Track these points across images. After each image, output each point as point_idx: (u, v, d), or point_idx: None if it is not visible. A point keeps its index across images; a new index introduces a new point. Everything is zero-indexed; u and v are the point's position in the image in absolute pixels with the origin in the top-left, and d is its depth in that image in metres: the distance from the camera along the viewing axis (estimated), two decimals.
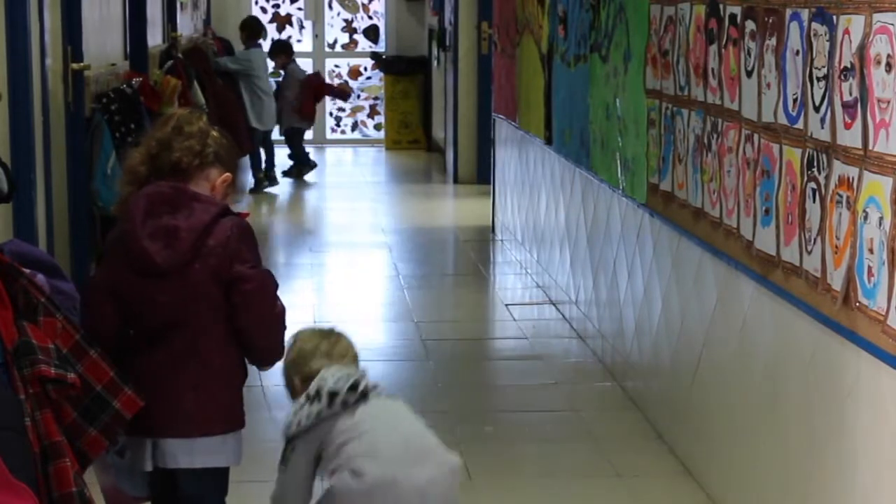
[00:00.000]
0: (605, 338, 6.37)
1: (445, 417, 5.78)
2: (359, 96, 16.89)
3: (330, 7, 16.75)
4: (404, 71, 15.97)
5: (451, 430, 5.57)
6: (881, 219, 3.30)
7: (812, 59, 3.73)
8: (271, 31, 16.80)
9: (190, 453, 3.48)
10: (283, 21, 16.80)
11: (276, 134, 13.25)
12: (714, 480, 4.74)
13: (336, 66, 16.78)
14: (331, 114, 16.69)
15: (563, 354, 6.84)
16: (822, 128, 3.65)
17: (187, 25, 12.69)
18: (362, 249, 10.13)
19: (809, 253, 3.76)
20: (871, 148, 3.36)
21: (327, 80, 15.60)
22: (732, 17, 4.43)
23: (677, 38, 5.08)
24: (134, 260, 3.41)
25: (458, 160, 13.19)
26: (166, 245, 3.40)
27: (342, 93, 14.96)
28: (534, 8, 8.21)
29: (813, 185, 3.74)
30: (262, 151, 12.86)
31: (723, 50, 4.54)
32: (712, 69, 4.65)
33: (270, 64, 13.27)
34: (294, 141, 13.44)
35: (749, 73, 4.26)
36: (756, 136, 4.21)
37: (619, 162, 6.03)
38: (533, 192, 8.40)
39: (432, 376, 6.47)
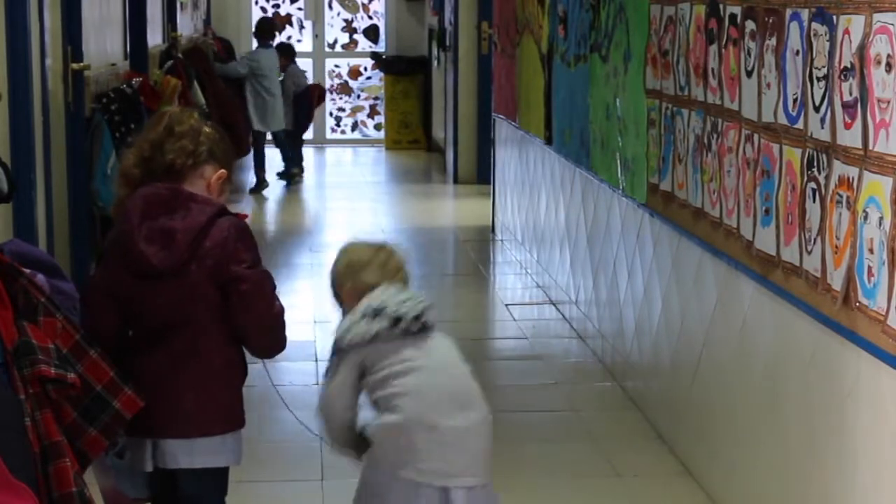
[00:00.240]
0: (605, 338, 6.37)
1: None
2: (359, 96, 16.90)
3: (330, 7, 16.76)
4: (404, 71, 15.97)
5: None
6: (881, 219, 3.30)
7: (812, 59, 3.73)
8: None
9: (190, 453, 3.48)
10: (283, 21, 16.80)
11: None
12: (714, 480, 4.74)
13: (336, 66, 16.78)
14: (331, 114, 16.69)
15: (563, 354, 6.84)
16: (822, 128, 3.65)
17: (187, 25, 12.69)
18: None
19: (809, 253, 3.76)
20: (871, 148, 3.36)
21: (327, 81, 15.63)
22: (732, 17, 4.43)
23: (677, 38, 5.08)
24: (131, 262, 3.41)
25: (458, 160, 13.19)
26: (163, 247, 3.39)
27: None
28: (534, 8, 8.21)
29: (813, 185, 3.73)
30: (279, 151, 12.93)
31: (723, 50, 4.54)
32: (712, 69, 4.65)
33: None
34: (285, 143, 13.48)
35: (749, 73, 4.26)
36: (756, 136, 4.21)
37: (619, 162, 6.03)
38: (533, 192, 8.40)
39: None
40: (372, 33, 16.90)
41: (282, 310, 3.54)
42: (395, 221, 11.28)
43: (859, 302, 3.44)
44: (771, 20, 4.05)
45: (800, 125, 3.83)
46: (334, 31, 16.78)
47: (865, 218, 3.39)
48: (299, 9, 16.71)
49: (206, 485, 3.56)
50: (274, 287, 3.53)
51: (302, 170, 13.55)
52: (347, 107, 16.81)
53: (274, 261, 9.36)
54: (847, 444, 3.58)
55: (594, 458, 5.26)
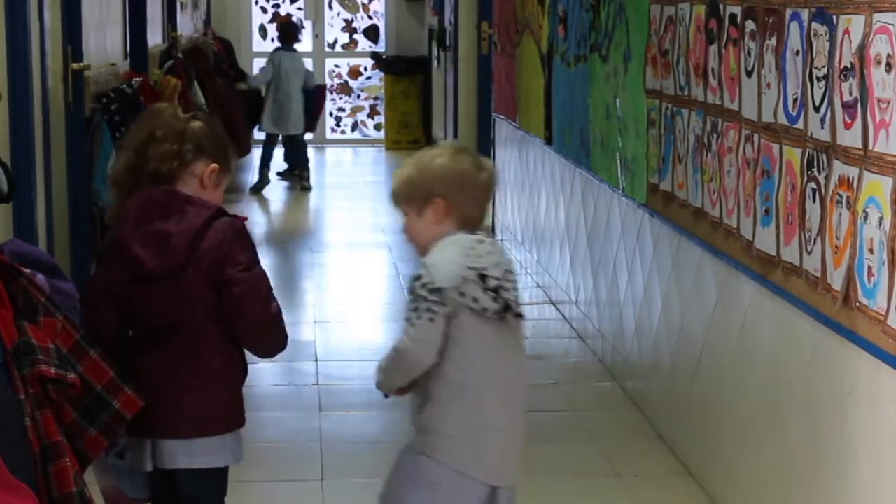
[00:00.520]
0: (605, 338, 6.37)
1: None
2: (359, 96, 16.90)
3: (330, 7, 16.76)
4: (404, 71, 15.97)
5: None
6: (881, 219, 3.30)
7: (812, 59, 3.73)
8: (271, 32, 16.81)
9: (189, 454, 3.48)
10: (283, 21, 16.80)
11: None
12: (714, 480, 4.74)
13: (336, 66, 16.78)
14: (331, 114, 16.69)
15: (563, 354, 6.83)
16: (822, 128, 3.65)
17: (187, 25, 12.69)
18: (362, 249, 10.13)
19: (809, 253, 3.76)
20: (871, 148, 3.36)
21: (327, 81, 15.64)
22: (732, 17, 4.42)
23: (677, 38, 5.08)
24: (126, 265, 3.41)
25: None
26: (158, 251, 3.38)
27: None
28: (534, 8, 8.20)
29: (813, 185, 3.73)
30: (290, 153, 12.96)
31: (723, 50, 4.53)
32: (712, 69, 4.65)
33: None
34: (299, 148, 13.52)
35: (749, 73, 4.26)
36: (756, 136, 4.21)
37: (619, 162, 6.03)
38: (533, 192, 8.40)
39: None
40: (372, 33, 16.90)
41: (278, 311, 3.51)
42: (395, 221, 11.24)
43: (859, 302, 3.44)
44: (771, 20, 4.05)
45: (800, 125, 3.83)
46: (334, 31, 16.78)
47: (865, 218, 3.39)
48: (299, 9, 16.70)
49: (206, 485, 3.56)
50: (269, 289, 3.49)
51: (306, 171, 13.52)
52: (347, 107, 16.81)
53: (274, 261, 9.37)
54: (847, 444, 3.58)
55: (594, 458, 5.26)
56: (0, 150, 4.99)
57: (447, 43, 13.68)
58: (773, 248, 4.05)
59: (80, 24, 6.46)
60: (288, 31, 13.24)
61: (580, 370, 6.48)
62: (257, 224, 10.46)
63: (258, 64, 16.35)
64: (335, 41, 16.81)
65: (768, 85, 4.08)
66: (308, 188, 12.83)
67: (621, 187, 5.99)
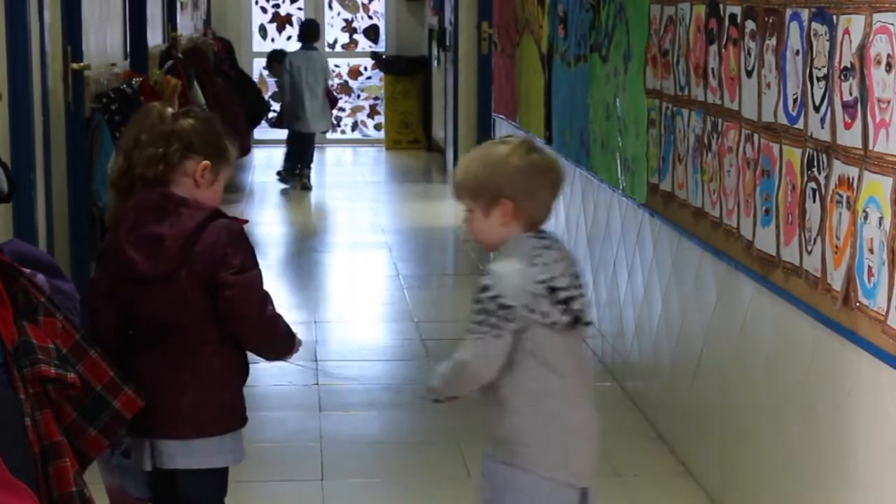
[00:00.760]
0: (605, 338, 6.37)
1: (445, 417, 5.78)
2: (359, 96, 16.90)
3: (330, 7, 16.76)
4: (404, 71, 15.97)
5: (450, 430, 5.57)
6: (881, 219, 3.30)
7: (812, 59, 3.73)
8: (271, 32, 16.82)
9: (188, 454, 3.47)
10: (283, 21, 16.80)
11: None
12: (714, 480, 4.74)
13: (336, 66, 16.79)
14: None
15: None
16: (822, 128, 3.65)
17: (187, 25, 12.70)
18: (362, 249, 10.13)
19: (809, 253, 3.76)
20: (871, 148, 3.36)
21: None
22: (732, 16, 4.43)
23: (677, 38, 5.08)
24: (120, 268, 3.41)
25: (458, 160, 13.16)
26: (150, 254, 3.36)
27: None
28: (534, 8, 8.21)
29: (813, 185, 3.73)
30: (299, 150, 13.08)
31: (723, 50, 4.53)
32: (712, 69, 4.65)
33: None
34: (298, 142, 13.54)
35: (749, 73, 4.26)
36: (756, 136, 4.21)
37: (619, 162, 6.03)
38: None
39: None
40: (372, 33, 16.90)
41: (275, 314, 3.48)
42: (395, 221, 11.28)
43: (859, 302, 3.44)
44: (771, 20, 4.05)
45: (800, 125, 3.83)
46: (334, 31, 16.78)
47: (865, 218, 3.39)
48: (299, 9, 16.70)
49: (206, 485, 3.56)
50: (264, 293, 3.45)
51: (307, 170, 13.54)
52: (347, 107, 16.81)
53: (274, 261, 9.37)
54: (847, 443, 3.58)
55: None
56: (0, 150, 4.99)
57: (447, 43, 13.68)
58: (773, 248, 4.05)
59: (80, 23, 6.46)
60: (304, 30, 13.47)
61: None
62: (257, 224, 10.46)
63: (258, 64, 16.38)
64: (335, 41, 16.81)
65: (768, 85, 4.08)
66: (308, 188, 12.84)
67: (621, 187, 5.99)
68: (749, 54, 4.26)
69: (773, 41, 4.03)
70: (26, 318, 3.05)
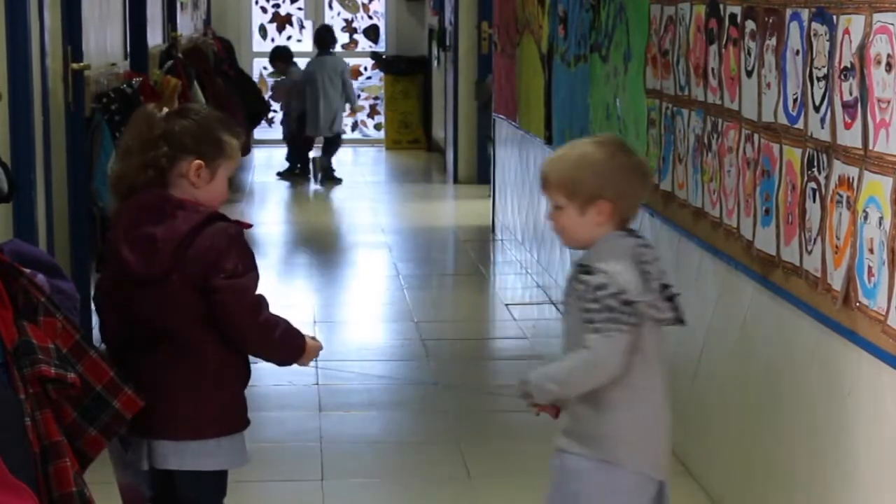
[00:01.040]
0: None
1: (445, 417, 5.78)
2: (359, 96, 16.90)
3: (330, 7, 16.76)
4: (404, 71, 15.97)
5: (450, 430, 5.58)
6: (881, 219, 3.30)
7: (812, 59, 3.73)
8: (271, 32, 16.82)
9: (182, 455, 3.46)
10: (283, 21, 16.80)
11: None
12: (714, 480, 4.74)
13: None
14: None
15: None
16: (822, 128, 3.65)
17: (187, 25, 12.70)
18: (362, 249, 10.13)
19: (809, 253, 3.76)
20: (871, 148, 3.36)
21: None
22: (732, 16, 4.43)
23: (677, 38, 5.08)
24: (116, 268, 3.41)
25: (458, 160, 13.18)
26: (144, 255, 3.36)
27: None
28: (534, 8, 8.21)
29: (813, 185, 3.73)
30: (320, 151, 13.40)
31: (723, 50, 4.54)
32: (712, 69, 4.65)
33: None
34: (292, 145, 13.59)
35: (749, 73, 4.26)
36: (756, 136, 4.21)
37: None
38: (533, 192, 8.40)
39: (432, 376, 6.47)
40: (372, 33, 16.90)
41: (271, 320, 3.44)
42: (395, 221, 11.28)
43: (859, 302, 3.44)
44: (771, 20, 4.05)
45: (800, 125, 3.83)
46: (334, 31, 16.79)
47: (865, 218, 3.39)
48: (299, 9, 16.71)
49: (203, 487, 3.54)
50: (257, 298, 3.41)
51: (307, 171, 13.59)
52: (347, 107, 16.81)
53: (274, 261, 9.37)
54: (847, 444, 3.58)
55: None
56: (0, 150, 4.99)
57: (447, 43, 13.68)
58: (773, 248, 4.05)
59: (80, 23, 6.46)
60: (320, 37, 13.80)
61: None
62: (257, 224, 10.46)
63: (258, 64, 16.38)
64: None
65: (768, 85, 4.08)
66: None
67: None
68: (749, 54, 4.26)
69: (773, 41, 4.03)
70: (26, 318, 3.05)
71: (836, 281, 3.57)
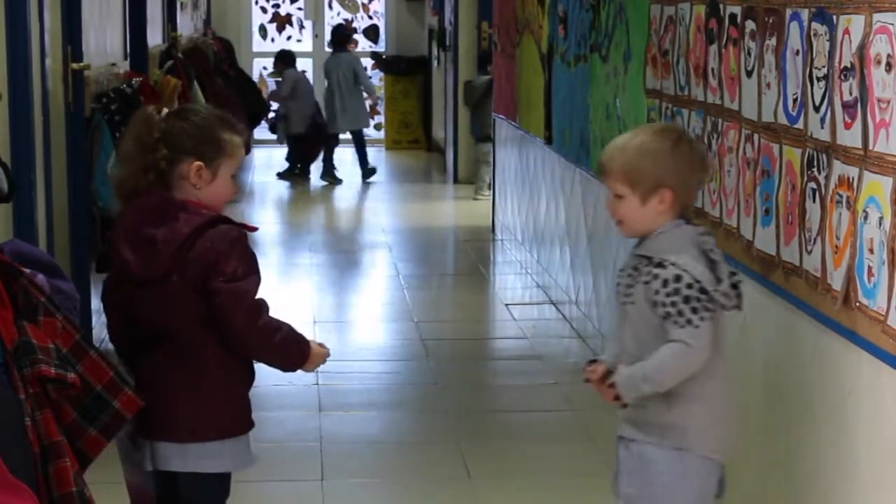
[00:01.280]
0: (605, 338, 6.37)
1: (445, 417, 5.79)
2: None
3: (330, 7, 16.76)
4: (404, 71, 15.98)
5: (451, 430, 5.58)
6: (881, 219, 3.30)
7: (812, 59, 3.73)
8: (271, 32, 16.82)
9: (183, 457, 3.45)
10: (283, 21, 16.81)
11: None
12: None
13: None
14: None
15: (563, 354, 6.84)
16: (822, 128, 3.65)
17: (187, 25, 12.70)
18: (362, 249, 10.13)
19: (809, 253, 3.76)
20: (871, 148, 3.36)
21: None
22: (732, 16, 4.42)
23: (677, 38, 5.08)
24: (117, 268, 3.41)
25: (458, 160, 13.19)
26: (145, 256, 3.36)
27: None
28: (534, 8, 8.21)
29: (813, 184, 3.73)
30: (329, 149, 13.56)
31: (723, 50, 4.53)
32: (712, 69, 4.65)
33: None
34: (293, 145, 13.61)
35: (749, 73, 4.26)
36: (756, 136, 4.21)
37: None
38: (533, 192, 8.40)
39: (432, 376, 6.47)
40: (372, 33, 16.91)
41: (270, 324, 3.43)
42: (395, 221, 11.28)
43: (859, 302, 3.44)
44: (771, 20, 4.05)
45: (800, 125, 3.83)
46: None
47: (865, 218, 3.39)
48: (299, 9, 16.71)
49: (205, 489, 3.53)
50: (256, 302, 3.40)
51: (307, 171, 13.61)
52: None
53: (274, 261, 9.37)
54: (847, 443, 3.58)
55: (593, 458, 5.26)
56: (0, 150, 4.99)
57: (447, 43, 13.69)
58: (773, 248, 4.05)
59: (80, 24, 6.46)
60: (336, 35, 14.01)
61: (580, 370, 6.46)
62: (257, 224, 10.47)
63: (258, 64, 16.39)
64: None
65: (768, 85, 4.08)
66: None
67: None
68: (749, 54, 4.26)
69: (773, 41, 4.03)
70: (26, 318, 3.05)
71: (836, 281, 3.57)
